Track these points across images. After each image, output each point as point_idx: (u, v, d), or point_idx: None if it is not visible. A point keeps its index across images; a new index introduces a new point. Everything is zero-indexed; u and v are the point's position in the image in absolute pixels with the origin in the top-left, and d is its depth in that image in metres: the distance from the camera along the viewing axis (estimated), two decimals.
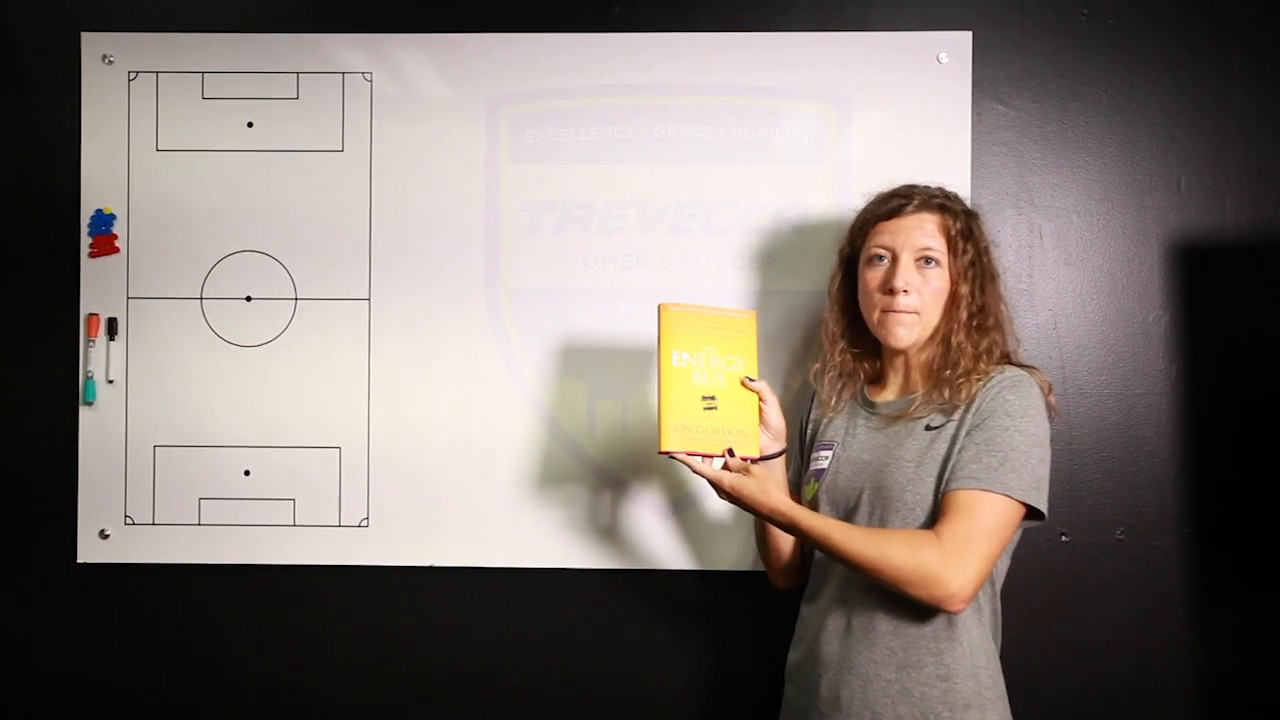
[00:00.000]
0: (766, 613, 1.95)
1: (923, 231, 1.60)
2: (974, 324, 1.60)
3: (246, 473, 2.00)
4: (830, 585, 1.63)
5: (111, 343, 2.00)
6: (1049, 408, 1.58)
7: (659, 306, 1.63)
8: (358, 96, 2.00)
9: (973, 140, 1.97)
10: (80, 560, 2.00)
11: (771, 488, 1.52)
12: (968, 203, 1.70)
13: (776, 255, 1.98)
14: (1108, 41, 1.97)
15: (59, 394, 2.00)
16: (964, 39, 1.97)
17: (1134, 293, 1.98)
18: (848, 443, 1.66)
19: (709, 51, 1.98)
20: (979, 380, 1.57)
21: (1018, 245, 1.98)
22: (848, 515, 1.60)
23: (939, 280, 1.60)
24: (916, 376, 1.65)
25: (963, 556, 1.45)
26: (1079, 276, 1.98)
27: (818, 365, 1.75)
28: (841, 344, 1.72)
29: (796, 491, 1.76)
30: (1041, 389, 1.58)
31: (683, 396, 1.58)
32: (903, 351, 1.65)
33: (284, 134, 2.00)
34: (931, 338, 1.63)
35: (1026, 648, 1.94)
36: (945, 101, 1.96)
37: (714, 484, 1.53)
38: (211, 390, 2.00)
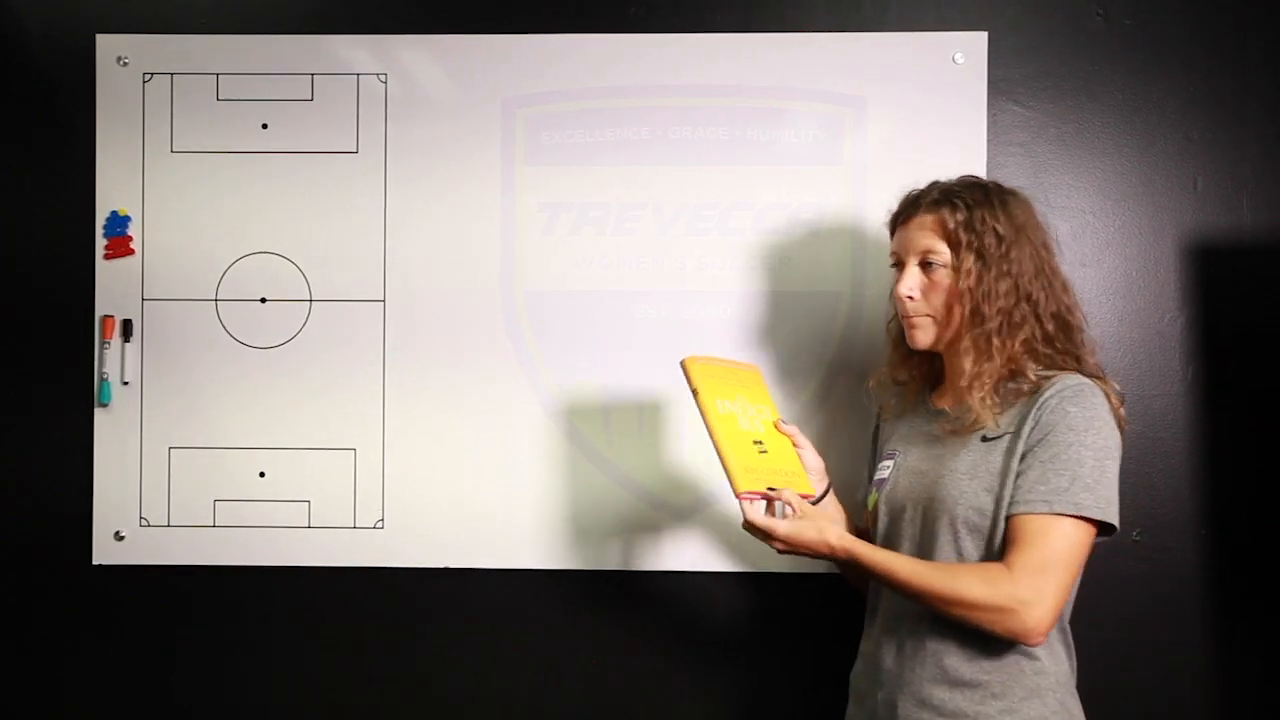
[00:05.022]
0: (785, 614, 1.95)
1: (922, 233, 1.57)
2: (987, 323, 1.51)
3: (261, 474, 2.00)
4: (884, 601, 1.60)
5: (127, 344, 2.00)
6: (1118, 420, 1.50)
7: (683, 362, 1.62)
8: (372, 98, 2.00)
9: (988, 141, 1.96)
10: (96, 561, 2.00)
11: (827, 525, 1.47)
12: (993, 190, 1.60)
13: (792, 256, 1.98)
14: (1124, 42, 1.97)
15: (74, 396, 2.00)
16: (979, 39, 1.96)
17: (1150, 293, 1.97)
18: (909, 451, 1.62)
19: (725, 53, 1.98)
20: (1027, 391, 1.50)
21: None
22: (898, 524, 1.57)
23: (946, 280, 1.55)
24: None
25: (1039, 587, 1.39)
26: (1095, 277, 1.98)
27: (882, 369, 1.72)
28: (903, 348, 1.67)
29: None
30: (1108, 397, 1.50)
31: (738, 440, 1.56)
32: (942, 354, 1.63)
33: (299, 136, 2.00)
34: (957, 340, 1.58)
35: None
36: (961, 102, 1.96)
37: (768, 535, 1.48)
38: (226, 392, 2.00)
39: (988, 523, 1.48)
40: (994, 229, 1.52)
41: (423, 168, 2.00)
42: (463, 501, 1.98)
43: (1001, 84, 1.97)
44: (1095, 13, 1.97)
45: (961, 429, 1.54)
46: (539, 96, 2.00)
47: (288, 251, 2.01)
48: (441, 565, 1.99)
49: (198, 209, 2.00)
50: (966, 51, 1.96)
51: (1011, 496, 1.45)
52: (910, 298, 1.57)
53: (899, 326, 1.65)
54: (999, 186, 1.59)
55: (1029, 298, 1.52)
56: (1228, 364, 1.96)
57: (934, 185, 1.61)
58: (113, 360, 2.00)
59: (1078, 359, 1.55)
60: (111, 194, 2.01)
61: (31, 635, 2.03)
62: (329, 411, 1.99)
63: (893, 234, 1.64)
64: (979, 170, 1.94)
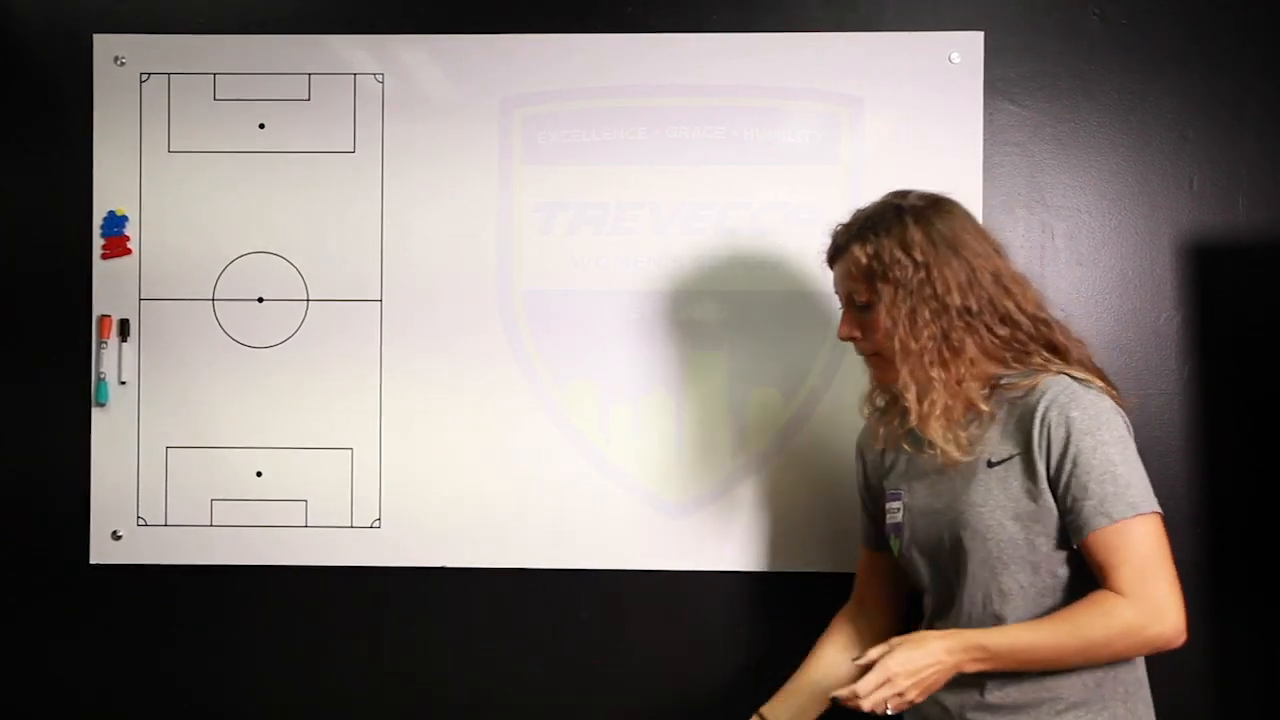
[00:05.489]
0: (786, 613, 1.95)
1: (844, 274, 1.55)
2: (924, 354, 1.46)
3: (259, 474, 2.00)
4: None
5: (124, 344, 2.00)
6: (1116, 403, 1.48)
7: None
8: (369, 98, 2.00)
9: (984, 140, 1.96)
10: (93, 561, 2.00)
11: (927, 639, 1.38)
12: (926, 201, 1.54)
13: (789, 256, 1.98)
14: (1120, 41, 1.97)
15: (71, 395, 2.00)
16: (976, 39, 1.97)
17: (1146, 292, 1.98)
18: (913, 490, 1.56)
19: (722, 52, 1.98)
20: (1018, 400, 1.47)
21: (1030, 245, 1.98)
22: (937, 562, 1.53)
23: (873, 316, 1.51)
24: None
25: (1152, 593, 1.38)
26: (1091, 276, 1.98)
27: (865, 394, 1.65)
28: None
29: (875, 547, 1.70)
30: (1095, 387, 1.47)
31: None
32: None
33: (296, 135, 2.00)
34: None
35: None
36: (957, 102, 1.96)
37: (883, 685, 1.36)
38: (224, 391, 2.00)
39: (1023, 549, 1.44)
40: (908, 255, 1.47)
41: (420, 167, 2.00)
42: (460, 501, 1.98)
43: (998, 83, 1.97)
44: (1091, 12, 1.97)
45: (955, 460, 1.49)
46: (536, 96, 2.00)
47: (285, 251, 2.01)
48: (439, 564, 1.99)
49: (195, 209, 2.01)
50: (963, 51, 1.97)
51: (1072, 526, 1.42)
52: (853, 338, 1.55)
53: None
54: (921, 203, 1.53)
55: (966, 310, 1.47)
56: (1224, 363, 1.96)
57: (854, 218, 1.56)
58: (110, 360, 2.00)
59: (1052, 347, 1.51)
60: (109, 194, 2.00)
61: (29, 634, 2.03)
62: (326, 411, 1.99)
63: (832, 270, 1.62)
64: (975, 169, 1.95)
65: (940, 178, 1.94)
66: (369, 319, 2.00)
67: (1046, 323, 1.52)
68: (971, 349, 1.47)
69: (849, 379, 1.94)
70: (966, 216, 1.55)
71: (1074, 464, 1.40)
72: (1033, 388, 1.46)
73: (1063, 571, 1.45)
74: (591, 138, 2.00)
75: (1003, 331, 1.48)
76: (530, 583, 2.00)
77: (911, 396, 1.48)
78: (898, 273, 1.46)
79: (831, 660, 1.68)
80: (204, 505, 2.00)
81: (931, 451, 1.50)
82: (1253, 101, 1.96)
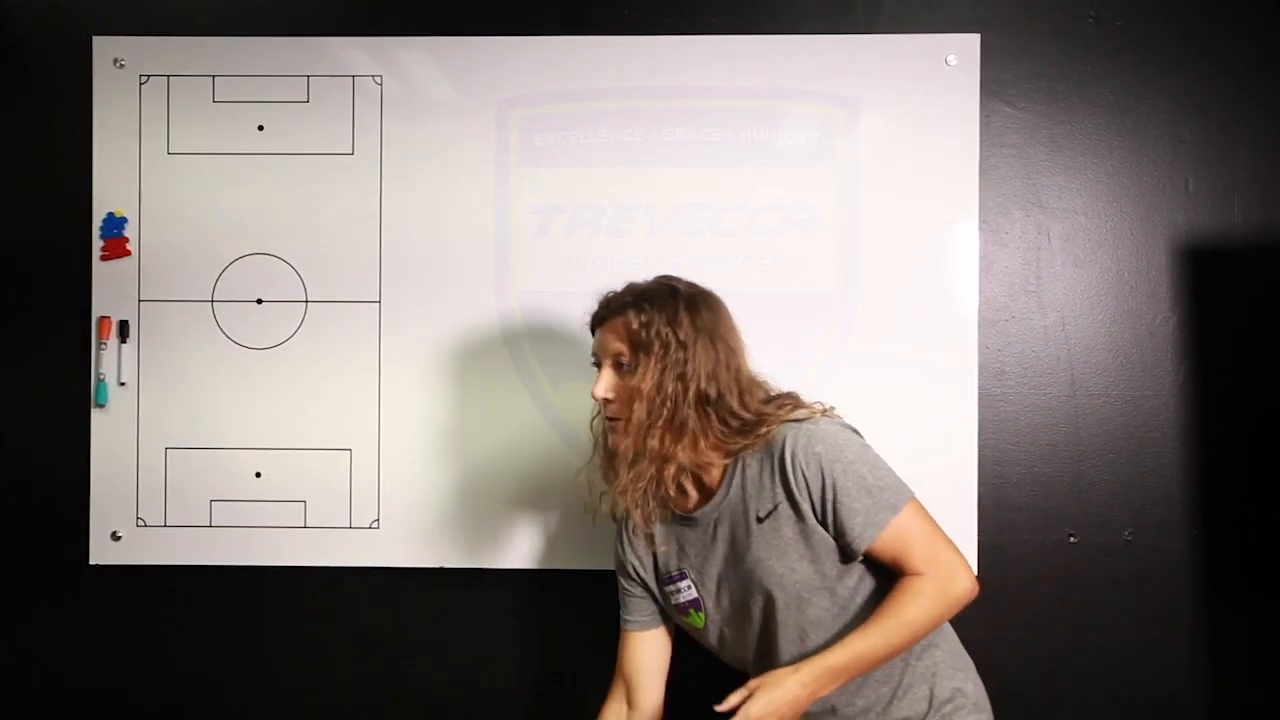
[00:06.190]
0: None
1: (613, 336, 1.59)
2: (675, 419, 1.55)
3: (258, 475, 2.00)
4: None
5: (123, 345, 2.01)
6: (835, 420, 1.60)
7: None
8: (368, 100, 2.01)
9: (981, 142, 1.97)
10: (92, 561, 2.01)
11: (781, 678, 1.48)
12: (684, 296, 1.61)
13: (784, 258, 1.98)
14: (1116, 44, 1.98)
15: (71, 396, 2.01)
16: (972, 41, 1.97)
17: (1142, 294, 1.98)
18: (696, 564, 1.64)
19: (718, 54, 1.98)
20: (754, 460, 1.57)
21: (1026, 247, 1.98)
22: (744, 624, 1.62)
23: (632, 380, 1.57)
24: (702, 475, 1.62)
25: (943, 562, 1.53)
26: (1087, 278, 1.99)
27: (618, 484, 1.63)
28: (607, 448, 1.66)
29: (643, 626, 1.74)
30: (819, 419, 1.58)
31: None
32: None
33: (294, 137, 2.01)
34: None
35: (1034, 648, 1.96)
36: (953, 104, 1.97)
37: None
38: (223, 392, 2.01)
39: (816, 580, 1.56)
40: (673, 332, 1.56)
41: (418, 169, 2.00)
42: (458, 501, 1.99)
43: (994, 85, 1.98)
44: (1087, 15, 1.98)
45: (721, 520, 1.60)
46: (533, 98, 2.00)
47: (284, 252, 2.01)
48: (437, 565, 2.00)
49: (194, 210, 2.01)
50: (959, 53, 1.97)
51: (851, 543, 1.53)
52: (607, 399, 1.59)
53: (602, 427, 1.66)
54: (692, 292, 1.63)
55: (704, 397, 1.56)
56: (1219, 364, 1.97)
57: (629, 289, 1.63)
58: (109, 361, 2.00)
59: (767, 414, 1.59)
60: (108, 195, 2.01)
61: (28, 635, 2.04)
62: (325, 412, 2.00)
63: (593, 334, 1.65)
64: (972, 170, 1.96)
65: (937, 179, 1.97)
66: (368, 320, 2.00)
67: (762, 411, 1.59)
68: (691, 432, 1.56)
69: (847, 380, 1.95)
70: (727, 312, 1.65)
71: (834, 491, 1.53)
72: (769, 439, 1.57)
73: (851, 580, 1.57)
74: (589, 140, 2.00)
75: (731, 423, 1.58)
76: (528, 583, 2.01)
77: (629, 458, 1.57)
78: (659, 345, 1.56)
79: None
80: (203, 506, 2.01)
81: (699, 529, 1.62)
82: (1248, 104, 1.97)
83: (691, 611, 1.67)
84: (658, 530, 1.67)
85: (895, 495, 1.54)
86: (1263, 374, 1.96)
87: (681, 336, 1.56)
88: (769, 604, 1.57)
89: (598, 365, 1.63)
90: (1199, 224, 1.97)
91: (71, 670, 2.03)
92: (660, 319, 1.57)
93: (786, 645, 1.58)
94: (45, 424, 2.01)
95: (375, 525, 2.00)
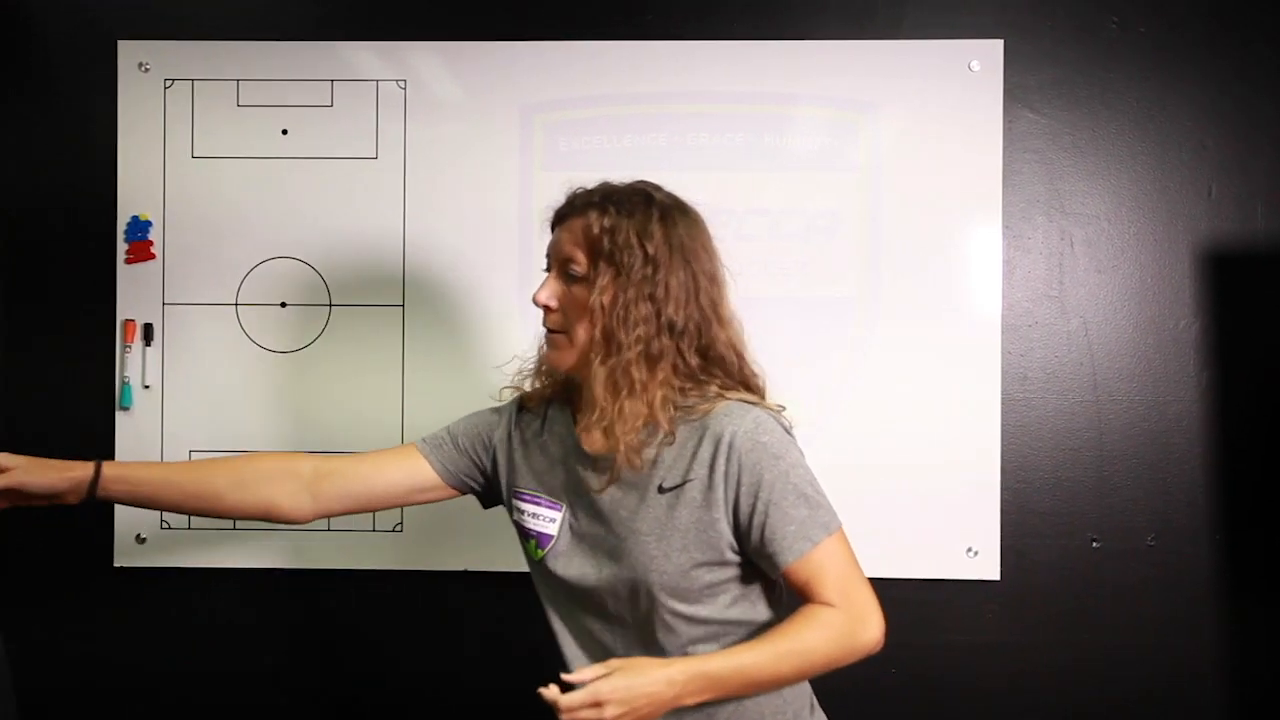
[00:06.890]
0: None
1: (569, 237, 1.40)
2: (625, 352, 1.35)
3: None
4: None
5: (148, 348, 2.01)
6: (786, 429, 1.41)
7: None
8: (391, 104, 2.01)
9: (1004, 147, 1.97)
10: (117, 564, 2.02)
11: (647, 667, 1.27)
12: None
13: (806, 261, 1.99)
14: (1139, 50, 1.98)
15: (96, 399, 2.01)
16: (995, 47, 1.98)
17: (1165, 300, 1.98)
18: (576, 510, 1.44)
19: (741, 59, 1.99)
20: (691, 423, 1.37)
21: (1049, 252, 1.99)
22: (593, 601, 1.42)
23: (582, 295, 1.38)
24: None
25: (857, 601, 1.34)
26: (1110, 284, 1.99)
27: (531, 366, 1.50)
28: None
29: (440, 461, 1.56)
30: (767, 409, 1.40)
31: None
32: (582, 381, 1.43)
33: (318, 141, 2.02)
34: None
35: (1057, 652, 1.96)
36: (976, 109, 1.97)
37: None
38: (246, 396, 2.01)
39: (697, 583, 1.37)
40: (641, 244, 1.36)
41: (442, 173, 2.01)
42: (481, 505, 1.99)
43: (1017, 91, 1.98)
44: (1110, 21, 1.98)
45: (622, 477, 1.39)
46: (556, 103, 2.01)
47: (307, 256, 2.02)
48: (461, 568, 2.00)
49: (218, 214, 2.02)
50: (982, 59, 1.97)
51: (770, 552, 1.35)
52: (547, 307, 1.41)
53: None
54: (670, 202, 1.43)
55: (671, 327, 1.37)
56: (1242, 370, 1.97)
57: (599, 187, 1.43)
58: (134, 364, 2.01)
59: (735, 384, 1.42)
60: (132, 199, 2.02)
61: (55, 635, 2.04)
62: (348, 416, 2.01)
63: (552, 232, 1.46)
64: (995, 176, 1.96)
65: (959, 184, 1.97)
66: (391, 324, 2.01)
67: (736, 363, 1.43)
68: (665, 366, 1.37)
69: (870, 384, 1.96)
70: (707, 233, 1.45)
71: (771, 492, 1.34)
72: (709, 413, 1.37)
73: (720, 601, 1.39)
74: (612, 144, 2.01)
75: (694, 360, 1.39)
76: None
77: (604, 393, 1.36)
78: (625, 258, 1.35)
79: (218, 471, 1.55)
80: None
81: (594, 473, 1.41)
82: (1271, 110, 1.97)
83: (535, 544, 1.47)
84: (553, 445, 1.47)
85: (830, 516, 1.37)
86: None
87: (651, 251, 1.35)
88: (632, 595, 1.38)
89: (548, 270, 1.43)
90: (1222, 230, 1.98)
91: (97, 672, 2.04)
92: (628, 225, 1.36)
93: (616, 637, 1.41)
94: (70, 426, 2.02)
95: (398, 529, 2.01)
